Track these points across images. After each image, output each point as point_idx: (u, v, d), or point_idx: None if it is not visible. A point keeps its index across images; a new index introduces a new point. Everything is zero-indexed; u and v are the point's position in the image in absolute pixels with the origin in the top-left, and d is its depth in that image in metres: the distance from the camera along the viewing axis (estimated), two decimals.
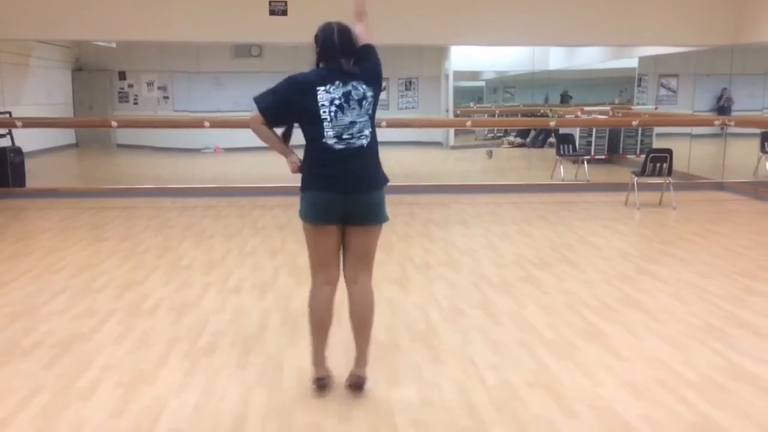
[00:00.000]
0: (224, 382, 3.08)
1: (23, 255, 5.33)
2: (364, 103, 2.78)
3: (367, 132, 2.79)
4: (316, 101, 2.74)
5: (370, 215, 2.83)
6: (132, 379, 3.09)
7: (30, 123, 8.08)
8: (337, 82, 2.75)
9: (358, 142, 2.76)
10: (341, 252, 2.90)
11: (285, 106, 2.80)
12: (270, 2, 7.99)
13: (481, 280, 4.75)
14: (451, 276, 4.89)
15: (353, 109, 2.75)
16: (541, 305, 4.20)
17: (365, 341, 2.94)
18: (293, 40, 8.44)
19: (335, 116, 2.73)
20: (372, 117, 2.84)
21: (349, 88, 2.76)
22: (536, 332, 3.74)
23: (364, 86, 2.79)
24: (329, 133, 2.74)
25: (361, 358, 2.95)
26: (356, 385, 2.92)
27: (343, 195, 2.75)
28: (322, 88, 2.75)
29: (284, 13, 8.01)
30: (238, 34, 8.51)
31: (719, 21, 8.41)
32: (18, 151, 8.30)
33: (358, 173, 2.78)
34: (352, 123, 2.75)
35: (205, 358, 3.35)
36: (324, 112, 2.73)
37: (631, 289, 4.54)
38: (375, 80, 2.84)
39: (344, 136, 2.74)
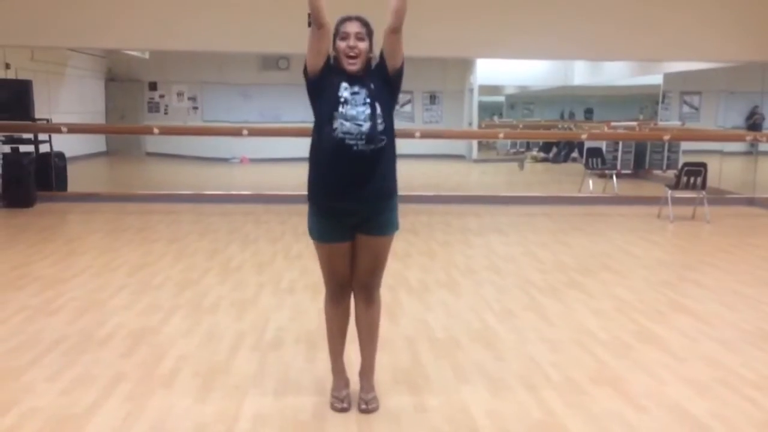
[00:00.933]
0: (297, 373, 3.18)
1: (78, 254, 5.48)
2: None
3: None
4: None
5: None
6: (208, 369, 3.20)
7: (74, 129, 8.29)
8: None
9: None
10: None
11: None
12: (309, 14, 8.15)
13: (527, 285, 4.83)
14: (497, 280, 4.98)
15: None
16: (590, 308, 4.28)
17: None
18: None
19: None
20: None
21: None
22: (590, 333, 3.81)
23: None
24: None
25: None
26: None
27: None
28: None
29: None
30: (275, 45, 8.69)
31: (752, 37, 8.49)
32: (61, 156, 8.51)
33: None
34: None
35: (274, 351, 3.46)
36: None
37: (677, 296, 4.61)
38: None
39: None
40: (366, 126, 2.56)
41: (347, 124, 2.56)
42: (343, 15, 2.63)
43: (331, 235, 2.70)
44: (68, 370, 3.15)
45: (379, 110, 2.60)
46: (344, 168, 2.59)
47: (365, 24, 2.62)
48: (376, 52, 2.69)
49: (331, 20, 2.60)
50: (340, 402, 2.82)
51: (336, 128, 2.56)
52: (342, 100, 2.58)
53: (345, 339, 2.90)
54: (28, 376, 3.07)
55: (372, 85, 2.63)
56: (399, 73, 2.68)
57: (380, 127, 2.60)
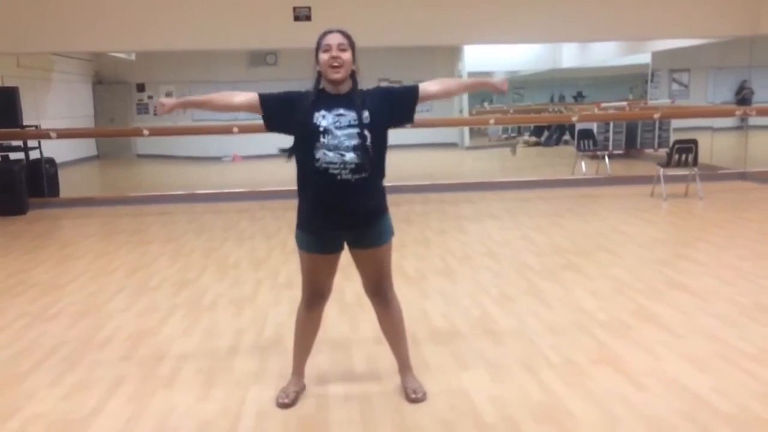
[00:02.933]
0: None
1: (74, 259, 5.47)
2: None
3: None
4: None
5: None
6: (209, 367, 3.21)
7: (63, 134, 8.25)
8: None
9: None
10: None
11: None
12: (294, 8, 8.13)
13: (524, 268, 4.85)
14: (494, 265, 4.99)
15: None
16: (588, 290, 4.30)
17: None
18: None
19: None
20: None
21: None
22: (589, 314, 3.83)
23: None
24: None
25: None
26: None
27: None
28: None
29: (308, 18, 8.14)
30: (261, 41, 8.66)
31: (738, 11, 8.50)
32: (52, 162, 8.47)
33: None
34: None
35: (274, 347, 3.46)
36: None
37: (673, 273, 4.63)
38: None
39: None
40: (349, 156, 2.50)
41: (330, 154, 2.50)
42: (324, 29, 2.59)
43: (318, 247, 2.67)
44: (69, 374, 3.15)
45: (368, 140, 2.53)
46: (330, 196, 2.56)
47: (347, 36, 2.57)
48: (360, 65, 2.61)
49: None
50: (285, 396, 2.81)
51: (319, 159, 2.51)
52: (321, 129, 2.51)
53: (311, 346, 2.91)
54: (29, 383, 3.07)
55: (365, 112, 2.55)
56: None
57: (365, 158, 2.52)
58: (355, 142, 2.52)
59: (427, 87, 2.67)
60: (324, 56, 2.53)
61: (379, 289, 2.80)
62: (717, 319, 3.68)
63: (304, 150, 2.56)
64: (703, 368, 3.04)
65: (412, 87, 2.66)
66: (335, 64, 2.51)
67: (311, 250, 2.69)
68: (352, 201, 2.57)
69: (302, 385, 2.92)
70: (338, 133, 2.51)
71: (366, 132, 2.53)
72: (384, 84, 2.76)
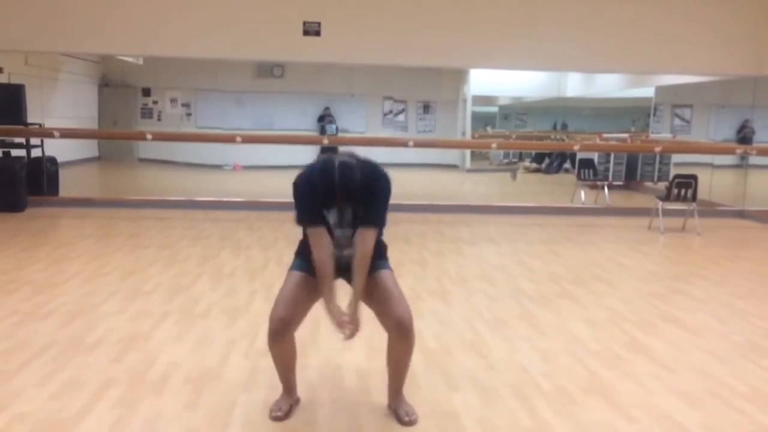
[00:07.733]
0: None
1: (69, 259, 5.46)
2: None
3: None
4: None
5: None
6: (199, 374, 3.19)
7: (66, 134, 8.26)
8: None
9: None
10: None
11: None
12: (304, 23, 8.19)
13: (519, 294, 4.85)
14: (489, 289, 4.99)
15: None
16: (582, 319, 4.30)
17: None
18: (325, 60, 8.71)
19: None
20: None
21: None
22: (582, 343, 3.82)
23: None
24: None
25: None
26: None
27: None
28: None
29: (317, 34, 8.20)
30: (269, 53, 8.71)
31: (743, 51, 8.58)
32: (53, 161, 8.48)
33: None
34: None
35: (265, 359, 3.42)
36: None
37: (668, 307, 4.63)
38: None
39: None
40: (347, 251, 2.67)
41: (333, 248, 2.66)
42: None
43: (311, 270, 2.70)
44: (58, 374, 3.13)
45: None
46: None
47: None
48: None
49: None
50: (278, 409, 2.80)
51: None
52: (332, 224, 2.65)
53: (294, 366, 2.87)
54: (17, 381, 3.05)
55: (359, 207, 2.60)
56: None
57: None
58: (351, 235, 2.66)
59: (361, 239, 2.62)
60: None
61: (404, 322, 2.64)
62: (710, 356, 3.67)
63: None
64: (694, 404, 3.03)
65: (372, 222, 2.63)
66: None
67: (304, 270, 2.75)
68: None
69: (295, 398, 2.90)
70: (338, 232, 2.66)
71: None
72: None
